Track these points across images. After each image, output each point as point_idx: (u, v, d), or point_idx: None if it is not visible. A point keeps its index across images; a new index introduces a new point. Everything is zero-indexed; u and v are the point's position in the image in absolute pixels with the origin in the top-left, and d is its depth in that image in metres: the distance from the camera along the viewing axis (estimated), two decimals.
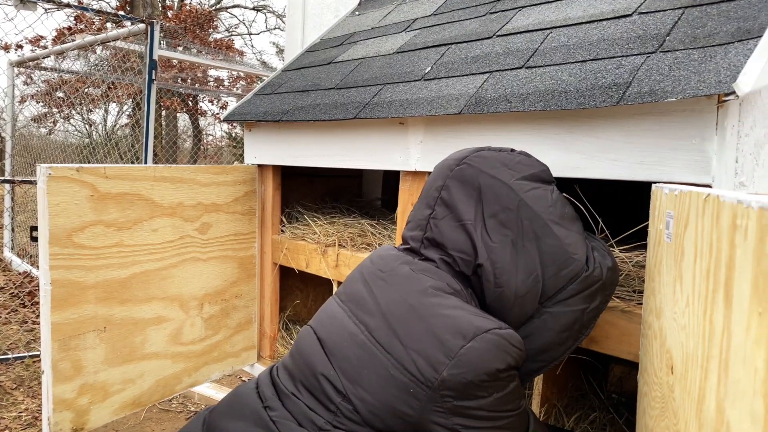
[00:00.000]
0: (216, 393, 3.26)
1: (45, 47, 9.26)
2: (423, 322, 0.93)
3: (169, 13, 12.86)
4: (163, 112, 11.16)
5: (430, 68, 1.69)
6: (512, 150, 1.11)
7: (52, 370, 1.60)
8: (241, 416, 0.97)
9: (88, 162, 5.99)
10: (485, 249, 0.98)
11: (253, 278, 2.22)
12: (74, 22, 10.13)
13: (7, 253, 5.95)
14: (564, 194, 1.40)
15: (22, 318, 4.27)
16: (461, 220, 1.01)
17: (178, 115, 12.19)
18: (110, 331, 1.73)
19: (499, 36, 1.64)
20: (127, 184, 1.73)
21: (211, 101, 12.22)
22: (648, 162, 1.16)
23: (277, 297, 2.28)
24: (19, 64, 5.76)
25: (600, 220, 1.32)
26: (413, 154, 1.62)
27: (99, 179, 1.66)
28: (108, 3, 12.27)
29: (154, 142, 3.97)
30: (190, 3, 13.58)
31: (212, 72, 11.27)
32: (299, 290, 2.60)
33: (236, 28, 16.11)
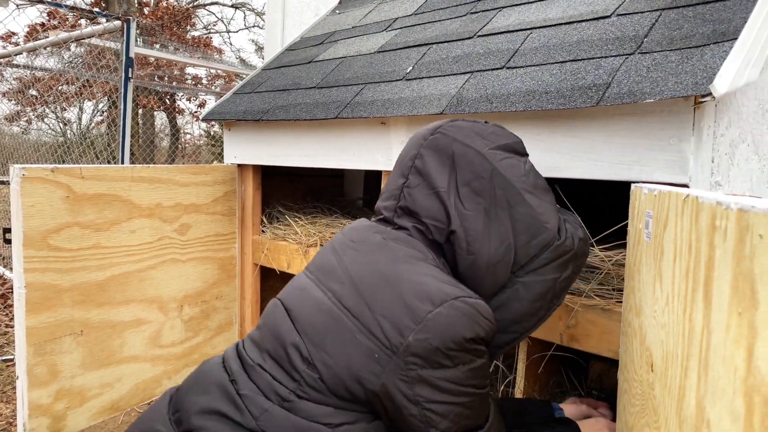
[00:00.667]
0: None
1: (17, 44, 9.05)
2: (392, 288, 0.91)
3: (146, 10, 12.66)
4: (140, 111, 10.99)
5: (411, 68, 1.69)
6: (486, 122, 1.11)
7: (28, 375, 1.56)
8: (206, 391, 0.94)
9: (63, 162, 5.87)
10: (458, 216, 0.98)
11: (234, 279, 2.20)
12: (47, 18, 9.92)
13: None
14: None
15: None
16: (435, 188, 1.00)
17: (155, 113, 12.02)
18: (87, 334, 1.69)
19: (480, 36, 1.65)
20: (103, 185, 1.70)
21: (189, 99, 12.07)
22: (627, 162, 1.18)
23: (258, 298, 2.26)
24: None
25: (580, 219, 1.34)
26: (395, 153, 1.61)
27: (75, 180, 1.62)
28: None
29: (131, 141, 3.90)
30: (167, 0, 13.39)
31: (190, 70, 11.13)
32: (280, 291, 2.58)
33: (214, 25, 15.93)
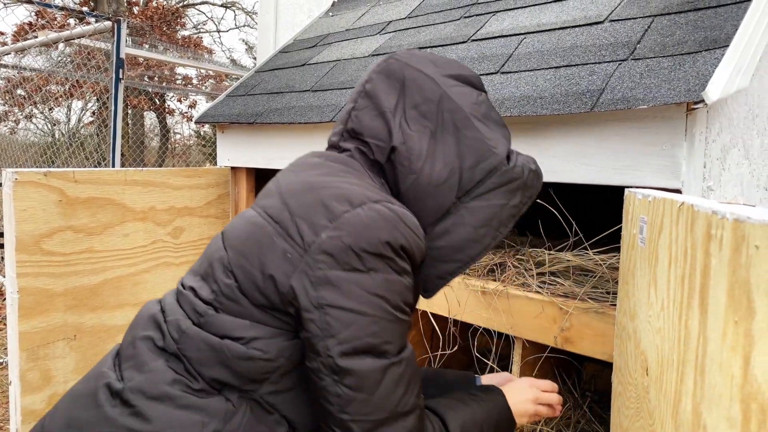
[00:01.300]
0: None
1: (5, 44, 8.96)
2: (315, 193, 0.88)
3: (135, 10, 12.58)
4: (130, 111, 10.92)
5: None
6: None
7: (21, 380, 1.55)
8: (141, 325, 0.93)
9: (53, 163, 5.82)
10: (402, 135, 0.95)
11: None
12: (35, 17, 9.82)
13: None
14: (539, 200, 1.42)
15: None
16: (381, 109, 0.98)
17: (145, 113, 11.94)
18: (81, 339, 1.68)
19: (474, 40, 1.66)
20: (97, 189, 1.69)
21: (179, 100, 12.00)
22: (620, 167, 1.19)
23: None
24: None
25: (574, 223, 1.35)
26: None
27: (68, 184, 1.61)
28: None
29: (121, 142, 3.88)
30: None
31: (180, 70, 11.07)
32: None
33: (204, 25, 15.85)
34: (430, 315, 1.60)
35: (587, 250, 1.38)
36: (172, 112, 12.32)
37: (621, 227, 1.14)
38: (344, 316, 0.79)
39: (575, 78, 1.26)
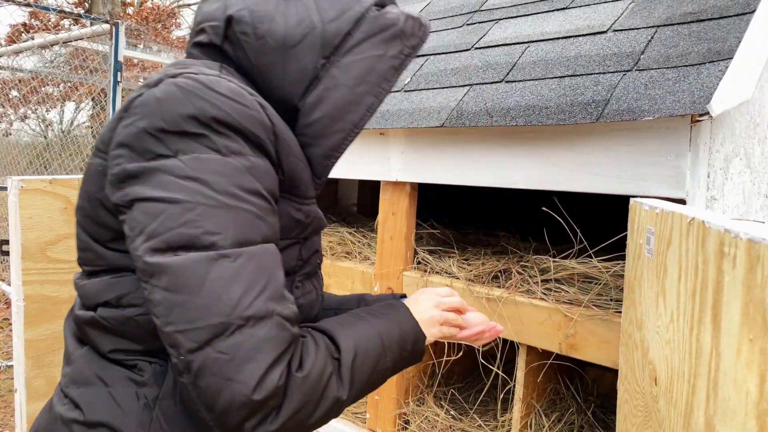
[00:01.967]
0: None
1: None
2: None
3: (130, 10, 12.53)
4: None
5: (409, 79, 1.71)
6: None
7: (26, 387, 1.55)
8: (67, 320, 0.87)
9: (48, 165, 5.79)
10: (239, 2, 0.82)
11: None
12: (29, 17, 9.77)
13: None
14: (544, 208, 1.44)
15: None
16: None
17: None
18: None
19: (477, 48, 1.67)
20: None
21: None
22: (625, 176, 1.21)
23: None
24: None
25: (579, 232, 1.37)
26: (394, 164, 1.63)
27: (72, 191, 1.62)
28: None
29: None
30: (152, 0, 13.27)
31: None
32: None
33: None
34: None
35: (591, 257, 1.40)
36: None
37: (624, 235, 1.16)
38: (151, 207, 0.64)
39: (580, 88, 1.27)
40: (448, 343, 1.70)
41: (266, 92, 0.80)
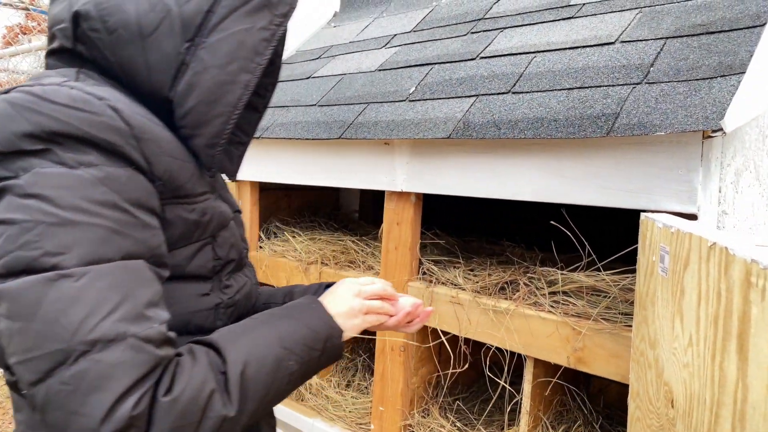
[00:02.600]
0: None
1: None
2: None
3: None
4: None
5: (414, 89, 1.69)
6: None
7: None
8: None
9: None
10: (82, 1, 0.76)
11: None
12: (25, 19, 9.70)
13: None
14: (552, 222, 1.43)
15: None
16: None
17: None
18: None
19: (482, 58, 1.66)
20: None
21: None
22: (635, 190, 1.20)
23: None
24: None
25: (587, 244, 1.36)
26: (399, 174, 1.62)
27: None
28: None
29: None
30: None
31: None
32: None
33: None
34: (440, 332, 1.60)
35: (600, 270, 1.39)
36: None
37: (632, 248, 1.15)
38: None
39: (589, 101, 1.26)
40: (453, 354, 1.69)
41: (133, 88, 0.76)
